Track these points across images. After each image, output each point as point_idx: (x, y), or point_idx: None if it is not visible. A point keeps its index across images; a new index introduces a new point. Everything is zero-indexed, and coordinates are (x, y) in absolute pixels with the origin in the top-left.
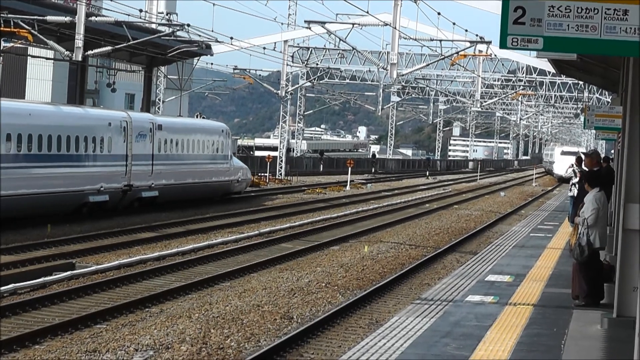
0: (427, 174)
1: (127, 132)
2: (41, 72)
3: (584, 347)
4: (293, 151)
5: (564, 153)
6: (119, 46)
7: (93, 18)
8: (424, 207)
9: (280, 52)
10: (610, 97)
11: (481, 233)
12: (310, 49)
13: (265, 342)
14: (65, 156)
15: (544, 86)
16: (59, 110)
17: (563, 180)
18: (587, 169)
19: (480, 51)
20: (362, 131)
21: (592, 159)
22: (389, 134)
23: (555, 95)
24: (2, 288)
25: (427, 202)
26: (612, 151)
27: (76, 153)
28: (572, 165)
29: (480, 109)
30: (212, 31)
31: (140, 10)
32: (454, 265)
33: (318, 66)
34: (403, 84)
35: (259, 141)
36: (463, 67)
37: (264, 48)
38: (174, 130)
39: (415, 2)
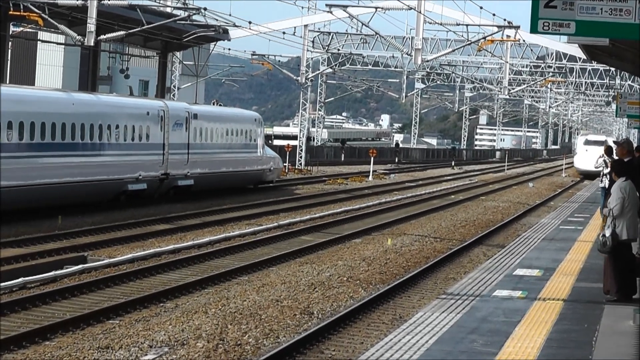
0: (453, 164)
1: (164, 121)
2: (52, 57)
3: (615, 344)
4: (313, 140)
5: (588, 142)
6: (133, 31)
7: (106, 1)
8: (449, 199)
9: (300, 37)
10: None
11: (509, 225)
12: (332, 34)
13: (284, 338)
14: (106, 145)
15: (574, 73)
16: (100, 99)
17: (588, 176)
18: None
19: (508, 36)
20: (385, 119)
21: (623, 148)
22: (413, 122)
23: (585, 82)
24: (12, 282)
25: (452, 193)
26: None
27: (116, 142)
28: (602, 155)
29: (507, 97)
30: (230, 15)
31: None
32: (481, 259)
33: (339, 52)
34: (428, 70)
35: (277, 130)
36: (490, 52)
37: (284, 33)
38: (208, 119)
39: None
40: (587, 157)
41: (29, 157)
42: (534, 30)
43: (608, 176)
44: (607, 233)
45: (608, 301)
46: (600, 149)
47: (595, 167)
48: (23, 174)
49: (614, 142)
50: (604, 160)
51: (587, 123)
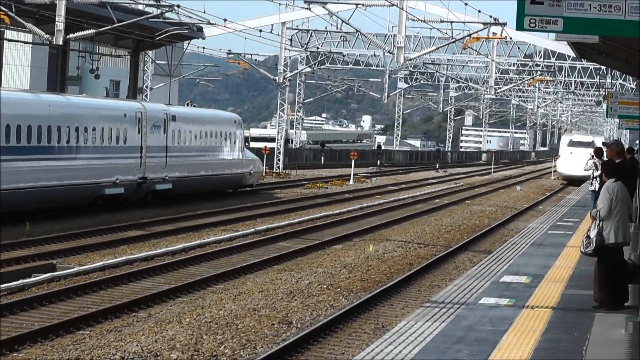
0: (437, 166)
1: (141, 123)
2: (18, 57)
3: (607, 353)
4: (292, 142)
5: (573, 144)
6: (103, 29)
7: None
8: (433, 203)
9: (278, 35)
10: (635, 83)
11: (496, 230)
12: (311, 32)
13: (262, 349)
14: (83, 148)
15: (563, 71)
16: (76, 101)
17: (573, 182)
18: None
19: (494, 34)
20: (366, 120)
21: (612, 150)
22: (396, 123)
23: (575, 81)
24: None
25: (437, 197)
26: (637, 141)
27: (93, 145)
28: (592, 157)
29: (494, 97)
30: (204, 12)
31: None
32: (467, 266)
33: (319, 50)
34: (411, 69)
35: (254, 132)
36: (476, 51)
37: (260, 31)
38: (187, 121)
39: None
40: (572, 160)
41: (4, 160)
42: (520, 27)
43: (598, 179)
44: (592, 234)
45: (594, 308)
46: (587, 151)
47: (585, 170)
48: None
49: (603, 143)
50: (594, 163)
51: (576, 123)
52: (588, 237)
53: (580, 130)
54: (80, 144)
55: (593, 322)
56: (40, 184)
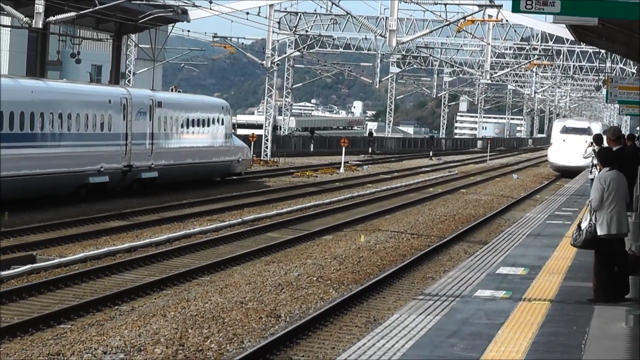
0: (431, 154)
1: (126, 110)
2: None
3: (607, 347)
4: (280, 129)
5: (566, 130)
6: (84, 12)
7: None
8: (427, 192)
9: (266, 17)
10: (636, 67)
11: (491, 220)
12: (299, 14)
13: (249, 343)
14: (66, 135)
15: (562, 55)
16: (60, 87)
17: (566, 173)
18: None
19: (489, 16)
20: (357, 106)
21: (609, 136)
22: (388, 109)
23: (574, 65)
24: None
25: (430, 185)
26: (638, 128)
27: (77, 132)
28: (592, 144)
29: (490, 81)
30: None
31: None
32: (461, 257)
33: (308, 33)
34: (403, 53)
35: (241, 118)
36: (470, 34)
37: (247, 13)
38: (173, 107)
39: None
40: (565, 149)
41: None
42: (516, 9)
43: (598, 167)
44: (583, 226)
45: (589, 301)
46: (582, 139)
47: (584, 157)
48: None
49: (604, 131)
50: (593, 150)
51: (575, 109)
52: (579, 228)
53: (577, 115)
54: (63, 131)
55: (592, 315)
56: (22, 173)
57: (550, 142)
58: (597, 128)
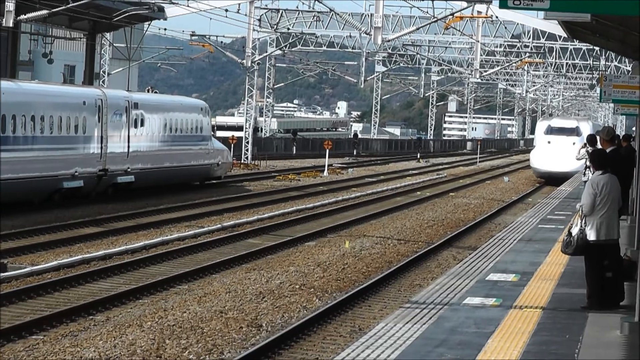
0: (418, 156)
1: (102, 112)
2: None
3: (601, 356)
4: (261, 131)
5: (551, 130)
6: (57, 9)
7: None
8: (414, 195)
9: (246, 15)
10: (631, 65)
11: (481, 225)
12: (281, 11)
13: (229, 354)
14: (39, 138)
15: (554, 53)
16: (32, 88)
17: (550, 180)
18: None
19: (479, 12)
20: (341, 107)
21: (602, 137)
22: (374, 109)
23: (567, 63)
24: None
25: (418, 189)
26: (634, 128)
27: (50, 135)
28: (585, 144)
29: (479, 80)
30: None
31: None
32: (450, 263)
33: (290, 31)
34: (389, 51)
35: (221, 120)
36: (459, 31)
37: (227, 10)
38: (150, 109)
39: None
40: (550, 152)
41: None
42: (503, 4)
43: (591, 169)
44: (574, 232)
45: (582, 308)
46: (570, 140)
47: (578, 159)
48: None
49: (597, 132)
50: (587, 151)
51: (568, 109)
52: (570, 234)
53: (569, 114)
54: (36, 134)
55: (586, 323)
56: None
57: (533, 145)
58: (586, 128)
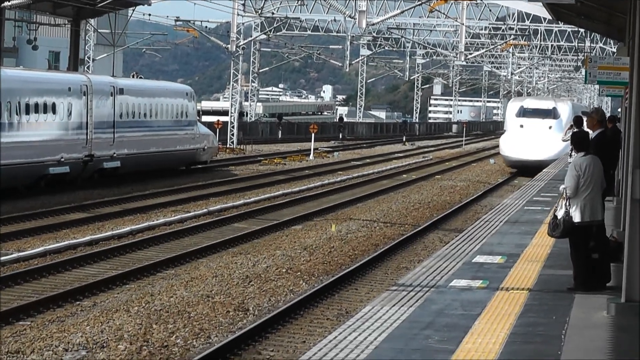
0: (404, 139)
1: (87, 97)
2: None
3: (587, 337)
4: (246, 115)
5: (525, 112)
6: None
7: None
8: (400, 178)
9: None
10: (616, 46)
11: (467, 207)
12: None
13: (216, 338)
14: (25, 124)
15: (539, 35)
16: (17, 74)
17: (524, 170)
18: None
19: None
20: (327, 91)
21: (593, 119)
22: (359, 93)
23: (552, 45)
24: None
25: (404, 172)
26: (619, 109)
27: (36, 121)
28: (572, 126)
29: (464, 63)
30: None
31: None
32: (436, 245)
33: (274, 16)
34: (374, 34)
35: (206, 104)
36: (444, 14)
37: None
38: (136, 94)
39: None
40: (522, 138)
41: None
42: None
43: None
44: (560, 214)
45: (569, 290)
46: (546, 123)
47: (564, 140)
48: None
49: (583, 112)
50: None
51: (554, 90)
52: (555, 217)
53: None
54: (22, 120)
55: (573, 305)
56: None
57: (503, 129)
58: (565, 109)
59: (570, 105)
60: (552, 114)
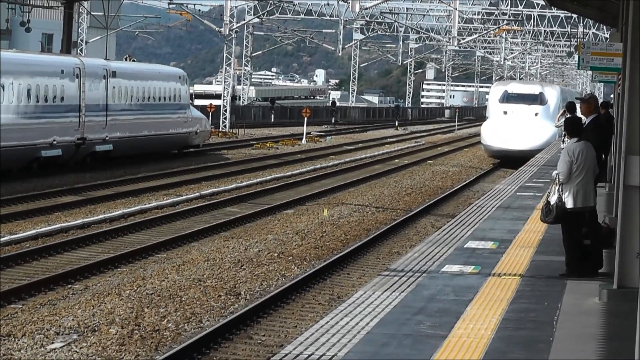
0: (397, 124)
1: (80, 80)
2: None
3: (579, 323)
4: (239, 99)
5: (509, 98)
6: None
7: None
8: (392, 163)
9: None
10: (609, 32)
11: (460, 192)
12: None
13: (208, 322)
14: (17, 107)
15: (532, 20)
16: (9, 57)
17: (507, 161)
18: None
19: None
20: (319, 75)
21: (589, 104)
22: (352, 78)
23: (545, 30)
24: None
25: (396, 157)
26: (612, 95)
27: (28, 103)
28: (564, 112)
29: (457, 48)
30: None
31: None
32: (428, 231)
33: None
34: (367, 19)
35: (199, 88)
36: None
37: None
38: (129, 77)
39: None
40: (506, 126)
41: None
42: None
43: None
44: (552, 200)
45: (561, 276)
46: (532, 109)
47: (557, 126)
48: None
49: (577, 98)
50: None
51: (547, 76)
52: (548, 203)
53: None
54: (14, 102)
55: (564, 291)
56: None
57: (485, 116)
58: (553, 94)
59: (559, 90)
60: (538, 99)
